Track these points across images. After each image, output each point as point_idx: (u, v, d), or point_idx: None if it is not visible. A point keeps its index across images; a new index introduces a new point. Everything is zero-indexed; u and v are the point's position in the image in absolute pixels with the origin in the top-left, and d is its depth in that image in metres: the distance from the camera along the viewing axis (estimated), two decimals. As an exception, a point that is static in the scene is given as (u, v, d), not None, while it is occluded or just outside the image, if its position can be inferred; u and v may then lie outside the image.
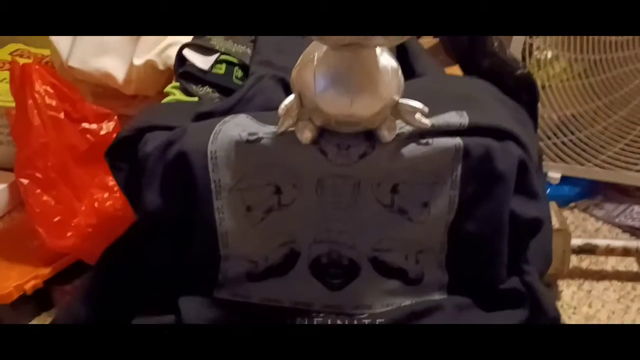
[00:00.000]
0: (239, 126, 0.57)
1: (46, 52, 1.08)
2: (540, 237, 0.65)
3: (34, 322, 0.71)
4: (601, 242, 0.76)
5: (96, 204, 0.74)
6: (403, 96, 0.54)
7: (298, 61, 0.54)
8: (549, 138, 0.94)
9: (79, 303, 0.64)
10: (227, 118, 0.60)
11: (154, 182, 0.58)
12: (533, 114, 0.72)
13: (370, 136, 0.56)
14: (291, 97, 0.53)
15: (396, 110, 0.54)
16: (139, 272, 0.62)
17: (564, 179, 0.93)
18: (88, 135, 0.76)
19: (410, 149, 0.56)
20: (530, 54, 0.92)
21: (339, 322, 0.60)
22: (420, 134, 0.57)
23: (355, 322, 0.59)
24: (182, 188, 0.57)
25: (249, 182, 0.57)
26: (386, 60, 0.52)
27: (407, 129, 0.56)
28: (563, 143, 0.93)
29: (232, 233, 0.59)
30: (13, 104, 0.75)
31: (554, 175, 0.93)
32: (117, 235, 0.66)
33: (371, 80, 0.51)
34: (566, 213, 0.92)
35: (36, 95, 0.71)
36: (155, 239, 0.60)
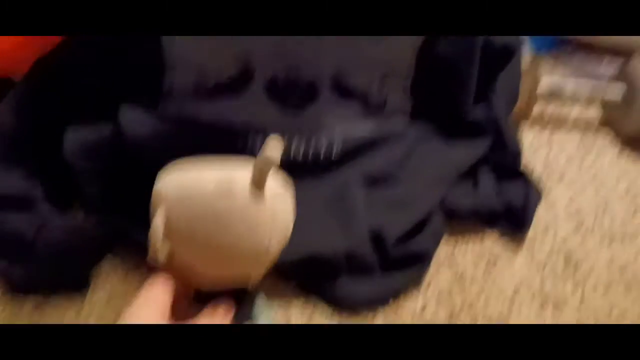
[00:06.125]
0: None
1: None
2: (509, 71, 0.62)
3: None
4: (569, 86, 0.73)
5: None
6: None
7: None
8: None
9: (7, 114, 0.57)
10: None
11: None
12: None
13: None
14: None
15: None
16: (73, 84, 0.56)
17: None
18: None
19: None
20: None
21: (294, 143, 0.56)
22: None
23: (312, 144, 0.56)
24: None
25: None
26: None
27: None
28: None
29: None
30: None
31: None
32: (48, 51, 0.59)
33: None
34: (533, 64, 0.88)
35: None
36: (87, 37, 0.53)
